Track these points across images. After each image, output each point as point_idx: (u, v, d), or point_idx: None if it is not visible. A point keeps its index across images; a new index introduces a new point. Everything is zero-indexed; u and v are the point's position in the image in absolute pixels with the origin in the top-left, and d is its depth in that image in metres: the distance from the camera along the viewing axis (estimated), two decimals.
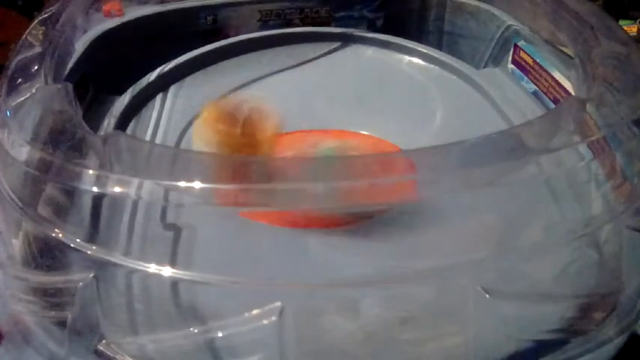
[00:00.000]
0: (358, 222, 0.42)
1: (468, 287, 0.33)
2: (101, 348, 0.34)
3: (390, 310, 0.35)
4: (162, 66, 0.58)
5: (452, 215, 0.40)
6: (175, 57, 0.59)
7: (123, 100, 0.54)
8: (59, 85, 0.39)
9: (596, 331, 0.36)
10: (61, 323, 0.35)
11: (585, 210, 0.42)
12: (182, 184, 0.31)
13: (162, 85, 0.57)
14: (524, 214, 0.41)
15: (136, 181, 0.32)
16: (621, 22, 0.71)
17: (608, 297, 0.37)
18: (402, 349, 0.35)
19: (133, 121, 0.53)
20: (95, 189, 0.33)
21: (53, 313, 0.36)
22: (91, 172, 0.33)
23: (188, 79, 0.59)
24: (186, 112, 0.55)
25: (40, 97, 0.39)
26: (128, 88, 0.56)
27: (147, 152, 0.34)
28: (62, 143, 0.34)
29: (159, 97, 0.56)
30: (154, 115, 0.55)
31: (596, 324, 0.36)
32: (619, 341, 0.35)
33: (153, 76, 0.57)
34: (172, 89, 0.58)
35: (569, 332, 0.36)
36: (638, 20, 0.69)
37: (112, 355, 0.34)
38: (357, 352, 0.35)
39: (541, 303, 0.36)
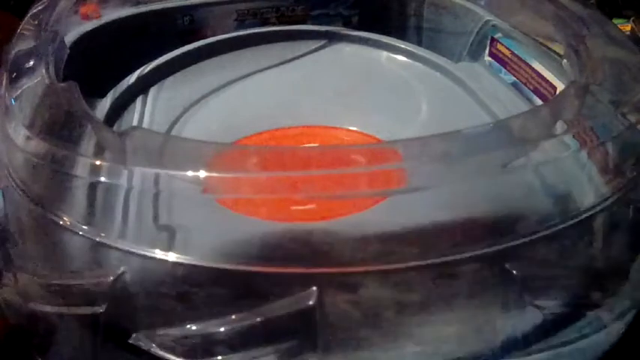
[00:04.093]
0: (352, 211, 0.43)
1: (495, 265, 0.34)
2: (132, 342, 0.34)
3: (422, 290, 0.36)
4: (141, 68, 0.58)
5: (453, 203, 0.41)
6: (154, 58, 0.59)
7: (104, 104, 0.53)
8: (64, 85, 0.39)
9: (606, 307, 0.37)
10: (89, 319, 0.35)
11: (579, 198, 0.43)
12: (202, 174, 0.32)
13: (142, 87, 0.57)
14: (522, 202, 0.42)
15: (157, 173, 0.33)
16: (615, 21, 0.72)
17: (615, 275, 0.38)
18: (433, 328, 0.36)
19: (116, 124, 0.53)
20: (125, 184, 0.33)
21: (81, 310, 0.35)
22: (112, 167, 0.33)
23: (168, 81, 0.58)
24: (168, 114, 0.55)
25: (46, 94, 0.39)
26: (108, 90, 0.55)
27: (168, 146, 0.34)
28: (78, 140, 0.35)
29: (139, 100, 0.56)
30: (136, 117, 0.54)
31: (606, 301, 0.37)
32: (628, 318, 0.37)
33: (132, 78, 0.57)
34: (152, 91, 0.57)
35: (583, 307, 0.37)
36: (631, 19, 0.70)
37: (144, 348, 0.34)
38: (389, 332, 0.35)
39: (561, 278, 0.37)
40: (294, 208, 0.41)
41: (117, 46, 0.59)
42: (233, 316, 0.34)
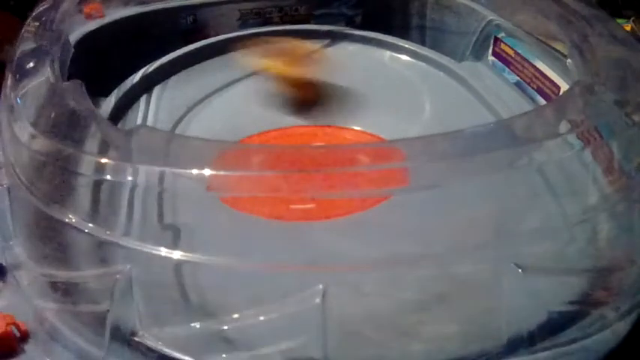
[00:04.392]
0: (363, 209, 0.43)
1: (501, 264, 0.34)
2: (137, 339, 0.34)
3: (427, 288, 0.36)
4: (145, 67, 0.58)
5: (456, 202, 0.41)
6: (157, 58, 0.59)
7: (109, 103, 0.53)
8: (69, 83, 0.39)
9: (611, 305, 0.37)
10: (95, 317, 0.35)
11: (583, 197, 0.43)
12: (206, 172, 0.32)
13: (146, 86, 0.57)
14: (525, 201, 0.42)
15: (162, 171, 0.33)
16: None
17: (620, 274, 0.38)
18: (438, 326, 0.36)
19: (120, 123, 0.53)
20: (130, 182, 0.33)
21: (87, 307, 0.36)
22: (118, 165, 0.33)
23: (171, 80, 0.59)
24: (172, 113, 0.55)
25: (52, 92, 0.39)
26: (112, 89, 0.55)
27: (173, 144, 0.34)
28: (83, 138, 0.35)
29: (143, 99, 0.56)
30: (140, 116, 0.54)
31: (610, 300, 0.37)
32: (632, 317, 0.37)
33: (136, 78, 0.57)
34: (156, 90, 0.57)
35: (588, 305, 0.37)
36: (631, 19, 0.70)
37: (149, 345, 0.34)
38: (395, 330, 0.35)
39: (566, 276, 0.38)
40: (298, 206, 0.42)
41: (120, 45, 0.59)
42: (238, 315, 0.34)
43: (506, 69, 0.58)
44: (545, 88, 0.54)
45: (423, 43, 0.66)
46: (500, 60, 0.59)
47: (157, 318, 0.35)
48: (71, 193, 0.36)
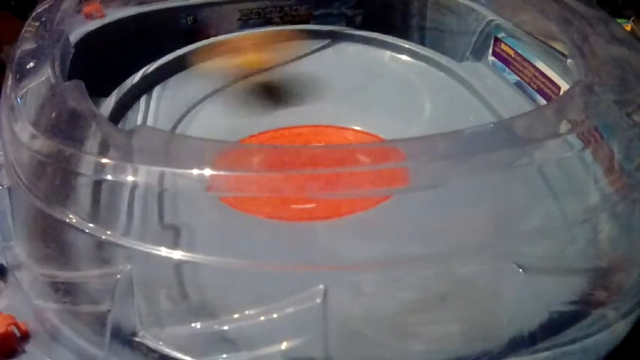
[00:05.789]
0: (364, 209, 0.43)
1: (502, 263, 0.34)
2: (138, 339, 0.34)
3: (428, 288, 0.36)
4: (145, 67, 0.58)
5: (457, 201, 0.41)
6: (157, 58, 0.59)
7: (109, 103, 0.53)
8: (69, 83, 0.39)
9: (611, 305, 0.37)
10: (95, 317, 0.35)
11: (583, 197, 0.43)
12: (207, 172, 0.32)
13: (146, 86, 0.57)
14: (526, 201, 0.42)
15: (162, 171, 0.33)
16: None
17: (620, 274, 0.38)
18: (439, 326, 0.36)
19: (120, 123, 0.53)
20: (130, 182, 0.33)
21: (87, 308, 0.36)
22: (118, 165, 0.33)
23: (171, 80, 0.59)
24: (172, 113, 0.55)
25: (52, 92, 0.39)
26: (112, 89, 0.55)
27: (173, 144, 0.34)
28: (84, 138, 0.35)
29: (143, 99, 0.56)
30: (140, 116, 0.54)
31: (611, 300, 0.37)
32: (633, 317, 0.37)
33: (136, 78, 0.57)
34: (156, 91, 0.57)
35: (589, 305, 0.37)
36: (631, 19, 0.70)
37: (149, 345, 0.34)
38: (396, 330, 0.35)
39: (567, 276, 0.38)
40: (298, 206, 0.42)
41: (120, 45, 0.59)
42: (238, 315, 0.34)
43: (506, 69, 0.58)
44: (545, 88, 0.54)
45: (423, 43, 0.66)
46: (500, 60, 0.59)
47: (157, 318, 0.35)
48: (71, 193, 0.36)
